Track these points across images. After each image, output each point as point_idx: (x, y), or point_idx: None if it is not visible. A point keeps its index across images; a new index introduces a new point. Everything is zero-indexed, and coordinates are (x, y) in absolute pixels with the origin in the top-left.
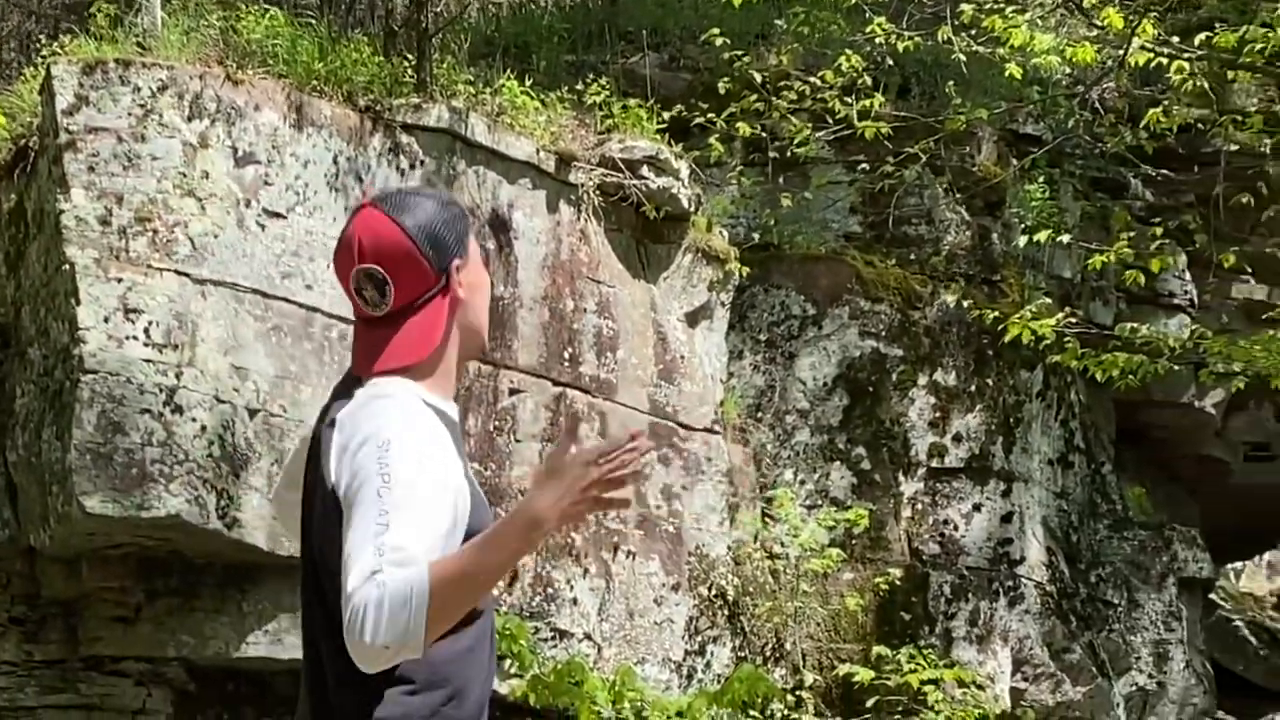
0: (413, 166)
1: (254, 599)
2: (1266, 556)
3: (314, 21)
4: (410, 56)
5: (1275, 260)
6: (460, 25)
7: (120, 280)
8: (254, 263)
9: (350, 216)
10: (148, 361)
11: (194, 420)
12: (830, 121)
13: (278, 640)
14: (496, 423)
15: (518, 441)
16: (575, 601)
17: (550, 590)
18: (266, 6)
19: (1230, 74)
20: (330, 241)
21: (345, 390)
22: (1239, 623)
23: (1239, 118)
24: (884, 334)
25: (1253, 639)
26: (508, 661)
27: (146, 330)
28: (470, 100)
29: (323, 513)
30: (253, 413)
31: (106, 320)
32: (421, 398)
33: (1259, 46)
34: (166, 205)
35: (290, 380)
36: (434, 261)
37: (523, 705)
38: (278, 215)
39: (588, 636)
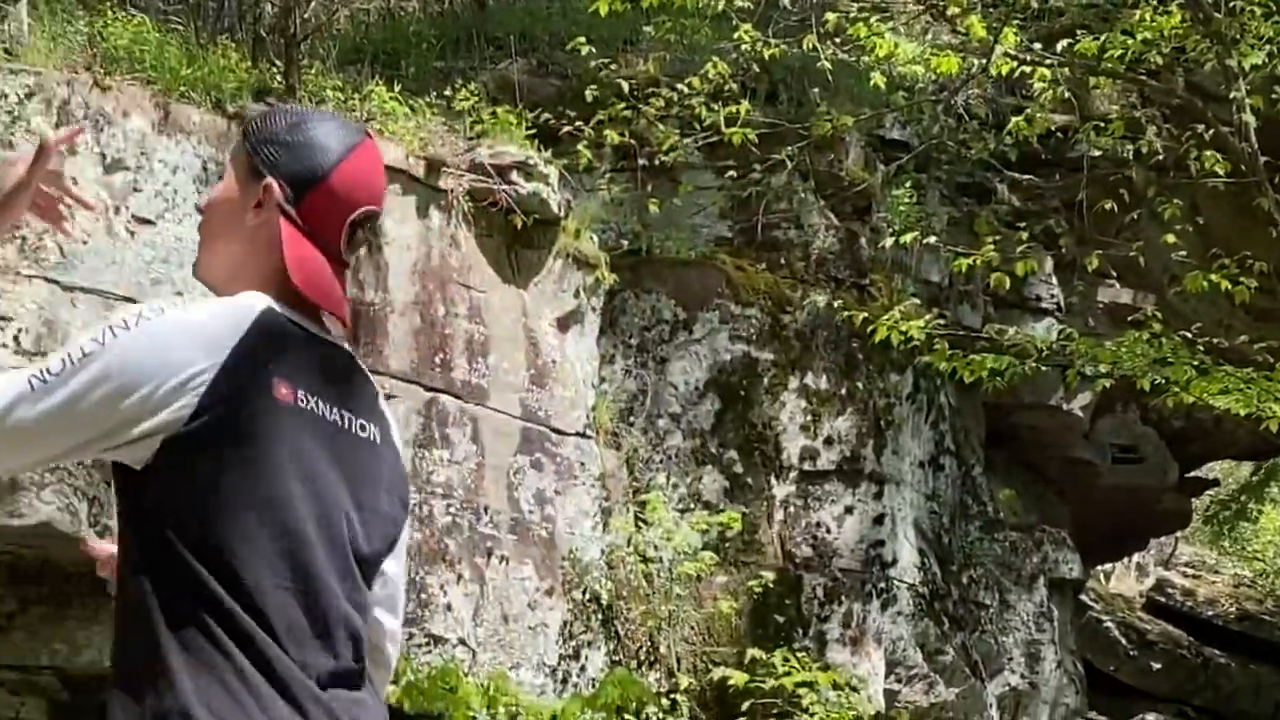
0: None
1: None
2: (1135, 558)
3: (181, 28)
4: (278, 63)
5: (1139, 264)
6: (328, 32)
7: None
8: (123, 270)
9: (358, 141)
10: (16, 370)
11: None
12: (698, 128)
13: None
14: None
15: None
16: (449, 607)
17: (424, 596)
18: (133, 12)
19: (1092, 80)
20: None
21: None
22: (1109, 623)
23: (1101, 124)
24: (754, 338)
25: (1123, 639)
26: None
27: (16, 338)
28: (339, 106)
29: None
30: None
31: None
32: None
33: (1119, 53)
34: None
35: None
36: None
37: (397, 711)
38: (147, 222)
39: (462, 642)
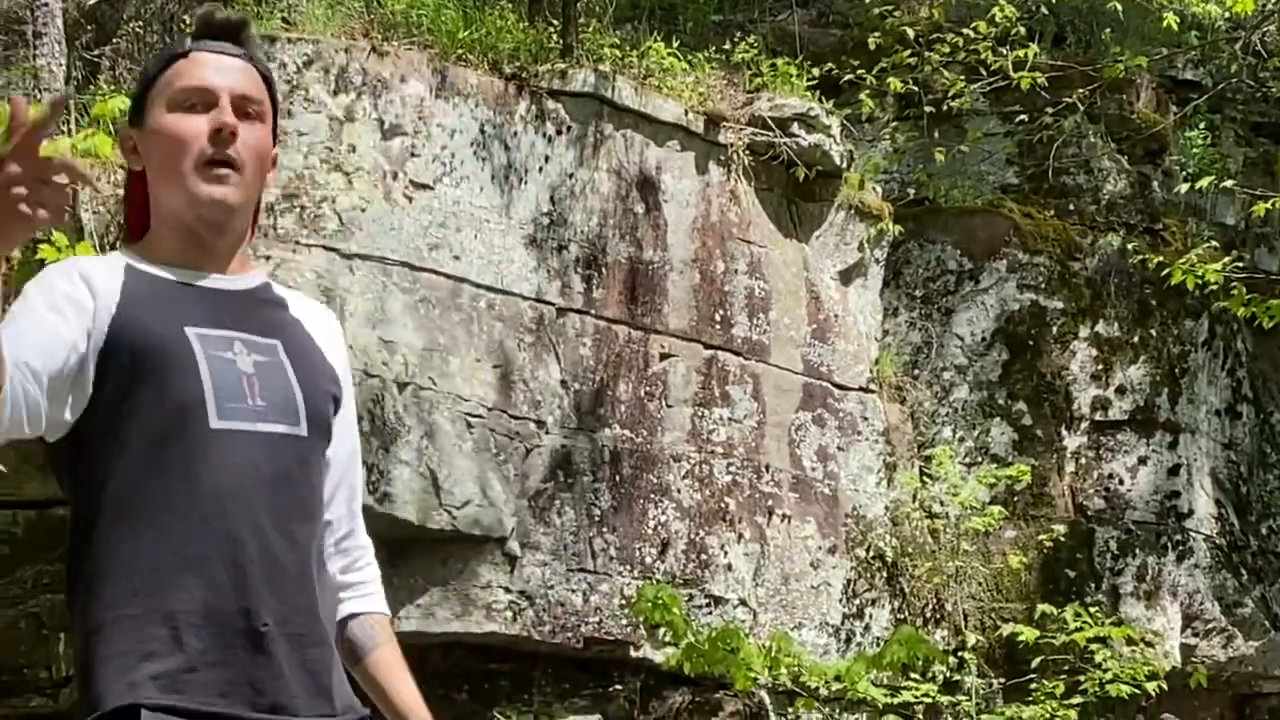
0: (559, 132)
1: (405, 573)
2: None
3: None
4: (555, 22)
5: None
6: None
7: (269, 257)
8: (401, 235)
9: None
10: None
11: None
12: (984, 73)
13: (430, 614)
14: (647, 388)
15: (669, 407)
16: (730, 567)
17: (704, 556)
18: None
19: None
20: (477, 211)
21: None
22: None
23: None
24: (1043, 286)
25: None
26: (662, 630)
27: None
28: (617, 64)
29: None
30: (401, 386)
31: None
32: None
33: None
34: (313, 181)
35: (439, 352)
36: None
37: (678, 674)
38: (425, 187)
39: (743, 602)
